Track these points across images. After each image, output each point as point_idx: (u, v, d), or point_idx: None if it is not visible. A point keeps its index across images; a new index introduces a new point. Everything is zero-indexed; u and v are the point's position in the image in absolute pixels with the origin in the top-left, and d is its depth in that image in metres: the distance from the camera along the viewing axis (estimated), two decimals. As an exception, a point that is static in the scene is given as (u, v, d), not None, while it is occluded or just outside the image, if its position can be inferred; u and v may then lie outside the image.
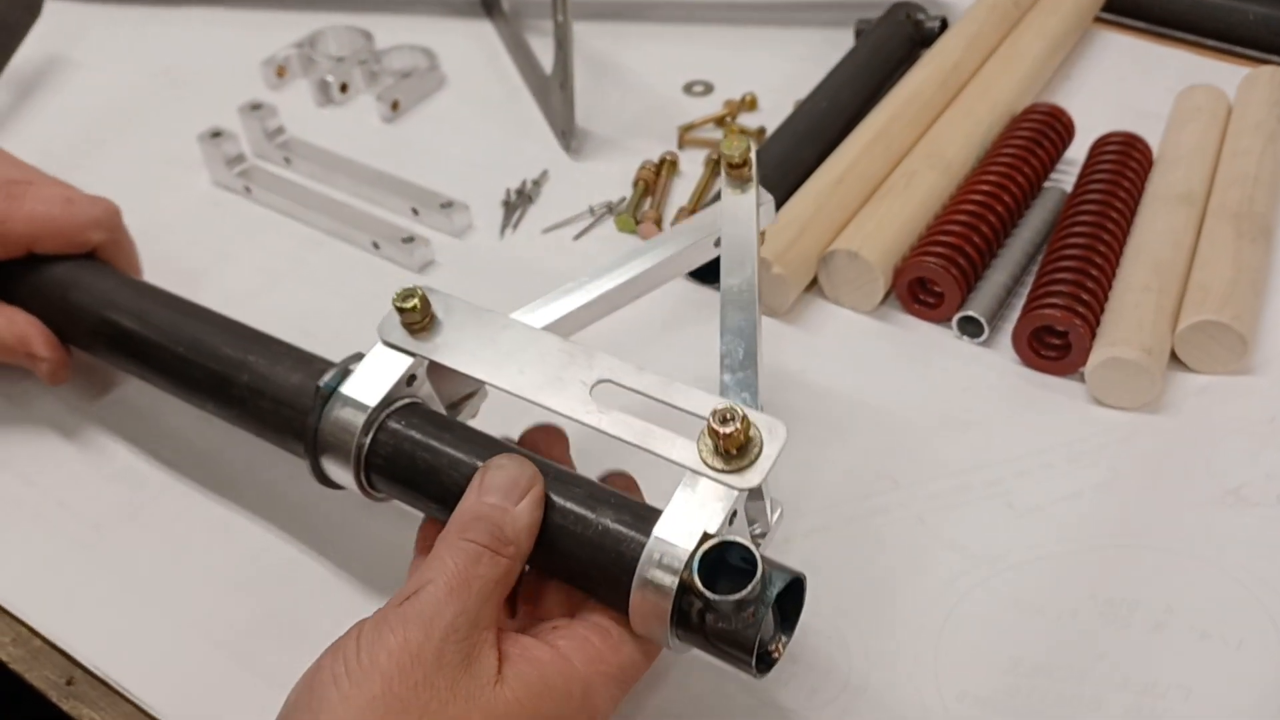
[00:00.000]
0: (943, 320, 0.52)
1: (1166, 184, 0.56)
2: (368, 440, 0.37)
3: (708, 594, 0.31)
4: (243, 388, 0.41)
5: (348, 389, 0.38)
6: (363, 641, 0.30)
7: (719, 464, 0.34)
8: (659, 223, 0.59)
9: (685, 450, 0.34)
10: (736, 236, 0.43)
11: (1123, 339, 0.47)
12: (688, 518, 0.33)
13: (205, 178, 0.62)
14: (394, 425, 0.37)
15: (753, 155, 0.44)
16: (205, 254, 0.58)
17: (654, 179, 0.61)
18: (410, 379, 0.39)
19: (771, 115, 0.66)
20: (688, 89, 0.70)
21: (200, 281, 0.56)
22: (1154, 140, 0.60)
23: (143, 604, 0.42)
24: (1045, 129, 0.59)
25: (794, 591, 0.33)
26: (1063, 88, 0.68)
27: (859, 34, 0.71)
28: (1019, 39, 0.67)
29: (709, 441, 0.34)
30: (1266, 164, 0.56)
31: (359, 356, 0.39)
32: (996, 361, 0.51)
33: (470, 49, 0.73)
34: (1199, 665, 0.38)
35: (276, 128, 0.63)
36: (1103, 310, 0.50)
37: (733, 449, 0.33)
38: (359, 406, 0.37)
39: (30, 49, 0.72)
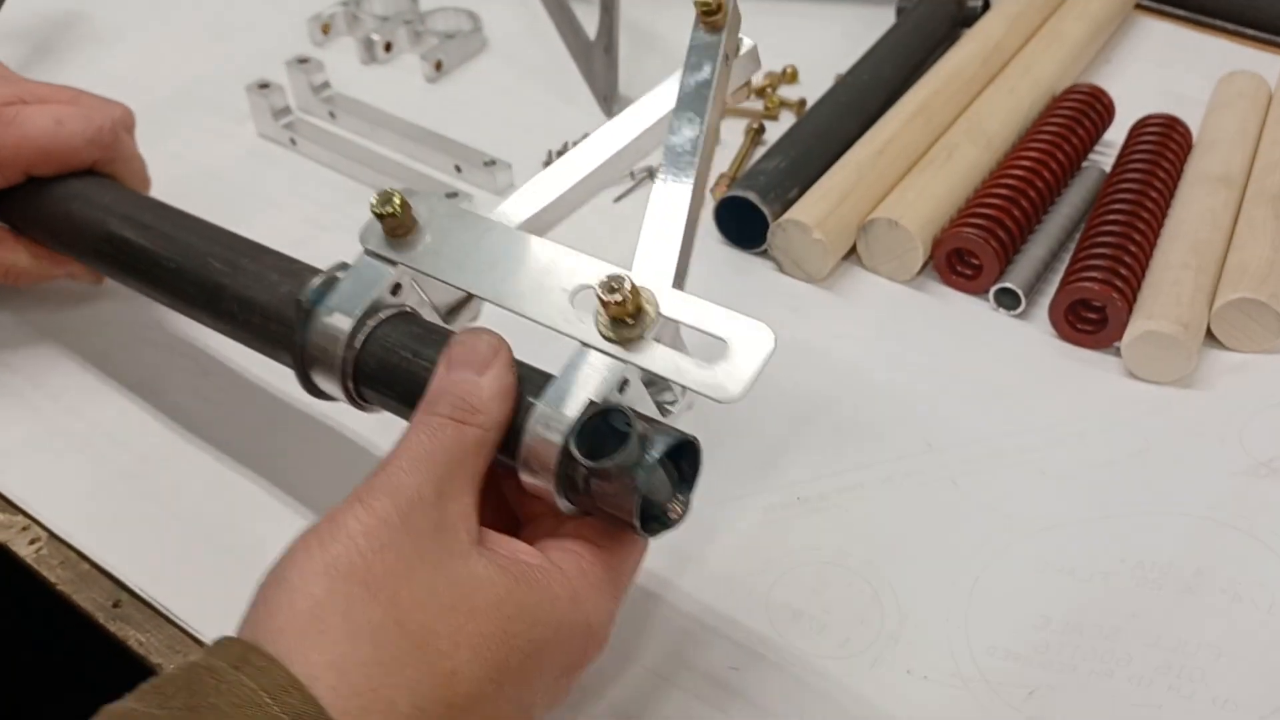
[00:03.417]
0: (980, 292, 0.53)
1: (1206, 165, 0.56)
2: (353, 352, 0.36)
3: (582, 461, 0.31)
4: (232, 300, 0.41)
5: (333, 301, 0.37)
6: (335, 513, 0.30)
7: (611, 334, 0.33)
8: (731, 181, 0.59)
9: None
10: (694, 83, 0.40)
11: (1160, 313, 0.47)
12: (577, 386, 0.32)
13: (251, 129, 0.63)
14: (380, 335, 0.36)
15: (730, 4, 0.40)
16: (251, 202, 0.59)
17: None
18: (395, 287, 0.37)
19: (812, 89, 0.66)
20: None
21: (244, 229, 0.56)
22: (1193, 125, 0.60)
23: (187, 531, 0.43)
24: (1086, 108, 0.59)
25: (689, 454, 0.33)
26: (1103, 71, 0.68)
27: (900, 12, 0.71)
28: (1061, 21, 0.67)
29: (602, 314, 0.33)
30: (1307, 150, 0.57)
31: (345, 266, 0.38)
32: (1032, 334, 0.51)
33: (513, 13, 0.73)
34: (1229, 627, 0.39)
35: (322, 82, 0.63)
36: (1140, 286, 0.50)
37: (624, 318, 0.33)
38: (344, 316, 0.36)
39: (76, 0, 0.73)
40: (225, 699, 0.26)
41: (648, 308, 0.34)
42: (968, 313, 0.52)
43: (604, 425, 0.32)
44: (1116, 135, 0.61)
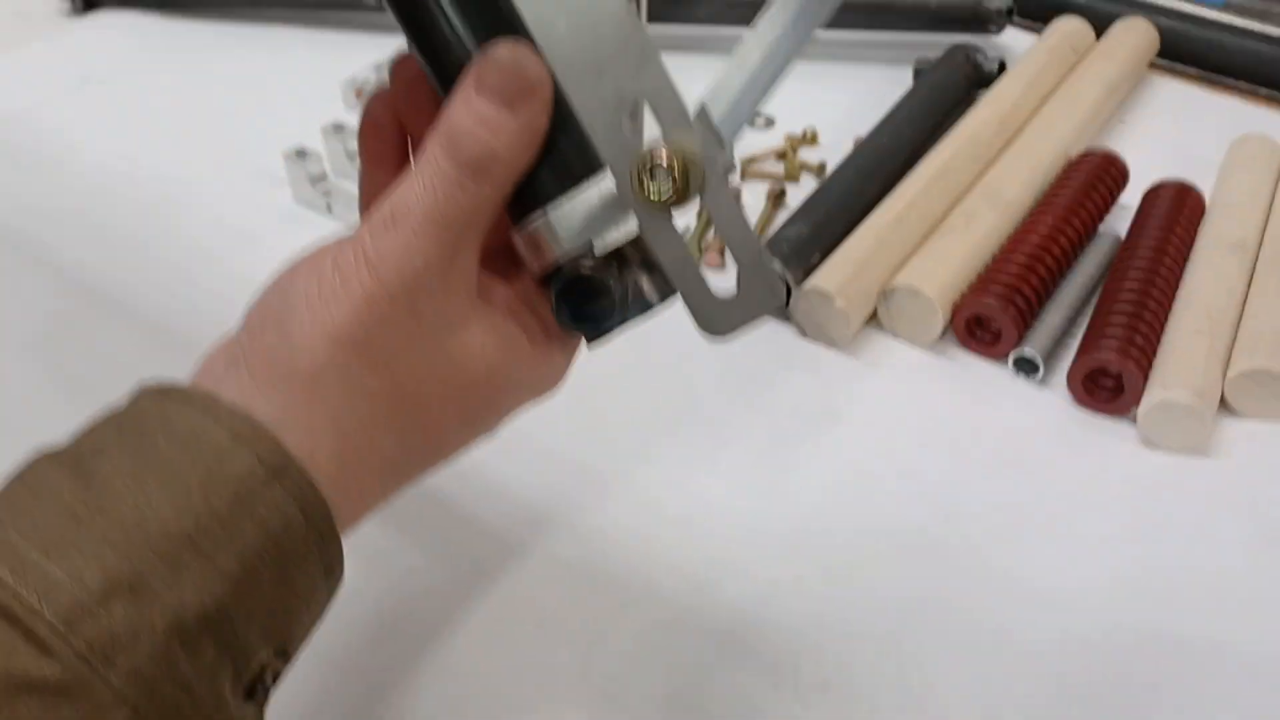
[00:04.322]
0: (999, 358, 0.54)
1: (1218, 232, 0.57)
2: None
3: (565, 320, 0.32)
4: None
5: None
6: (340, 263, 0.29)
7: (639, 191, 0.31)
8: (722, 252, 0.61)
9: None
10: None
11: (1175, 382, 0.49)
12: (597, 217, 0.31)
13: (288, 194, 0.65)
14: None
15: None
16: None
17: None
18: None
19: (832, 150, 0.68)
20: (749, 121, 0.72)
21: (284, 294, 0.58)
22: (1206, 186, 0.62)
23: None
24: (1101, 174, 0.61)
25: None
26: (1117, 131, 0.70)
27: (918, 74, 0.73)
28: (1076, 83, 0.69)
29: (639, 179, 0.31)
30: (1318, 215, 0.58)
31: None
32: (1051, 400, 0.52)
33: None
34: (1250, 699, 0.40)
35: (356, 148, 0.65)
36: (1155, 354, 0.51)
37: (659, 195, 0.31)
38: None
39: (121, 60, 0.76)
40: (174, 429, 0.27)
41: (691, 186, 0.30)
42: (988, 378, 0.54)
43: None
44: (1132, 197, 0.62)
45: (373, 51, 0.75)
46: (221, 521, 0.26)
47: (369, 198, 0.35)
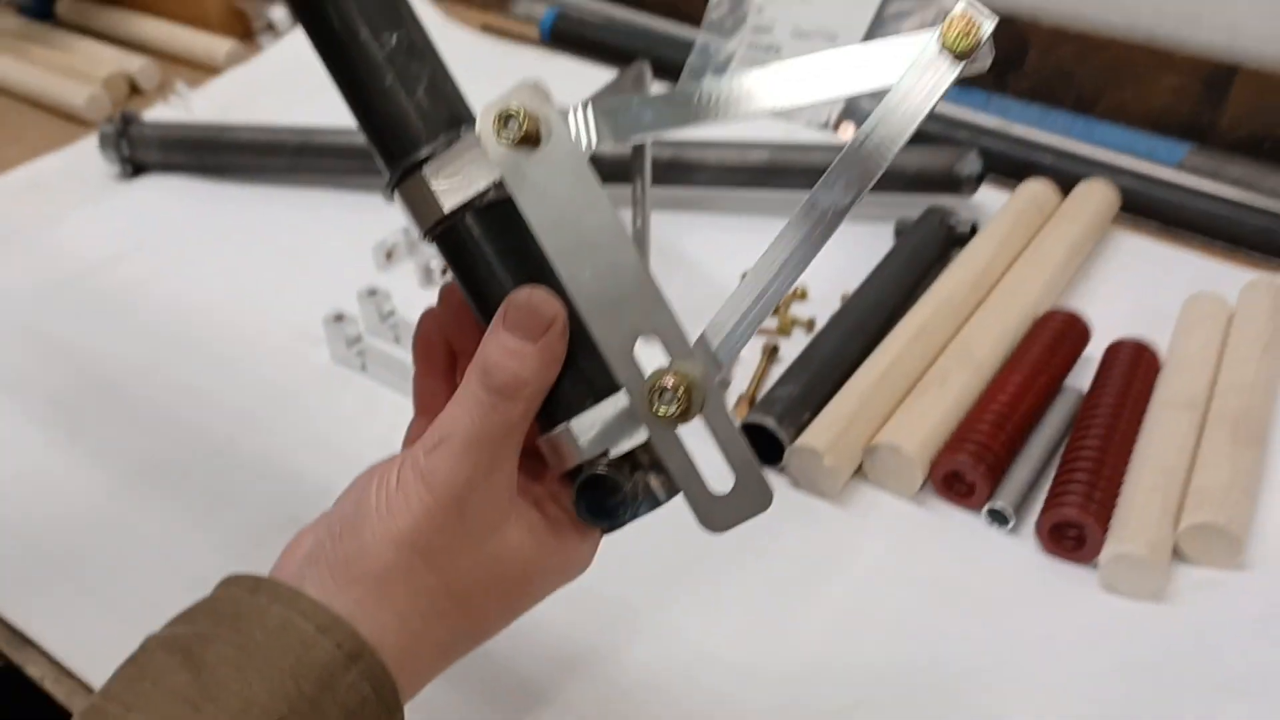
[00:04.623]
0: (974, 509, 0.60)
1: (1172, 391, 0.63)
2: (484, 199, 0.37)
3: (585, 515, 0.38)
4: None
5: (433, 174, 0.37)
6: (402, 479, 0.35)
7: (649, 410, 0.37)
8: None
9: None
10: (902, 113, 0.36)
11: (1130, 536, 0.54)
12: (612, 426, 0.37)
13: (326, 353, 0.71)
14: (467, 223, 0.37)
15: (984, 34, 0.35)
16: (326, 423, 0.66)
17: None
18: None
19: (821, 305, 0.75)
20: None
21: (321, 449, 0.64)
22: (1164, 338, 0.68)
23: None
24: (1064, 334, 0.67)
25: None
26: (1082, 288, 0.76)
27: (898, 233, 0.79)
28: (1042, 244, 0.75)
29: (650, 398, 0.37)
30: (1262, 372, 0.64)
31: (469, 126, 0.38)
32: (1021, 549, 0.58)
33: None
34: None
35: (389, 310, 0.72)
36: (1114, 508, 0.57)
37: (667, 413, 0.37)
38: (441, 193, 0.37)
39: (169, 221, 0.83)
40: (267, 622, 0.33)
41: (694, 405, 0.37)
42: (964, 528, 0.59)
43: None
44: (1096, 348, 0.68)
45: (399, 215, 0.82)
46: (310, 702, 0.32)
47: (421, 397, 0.42)
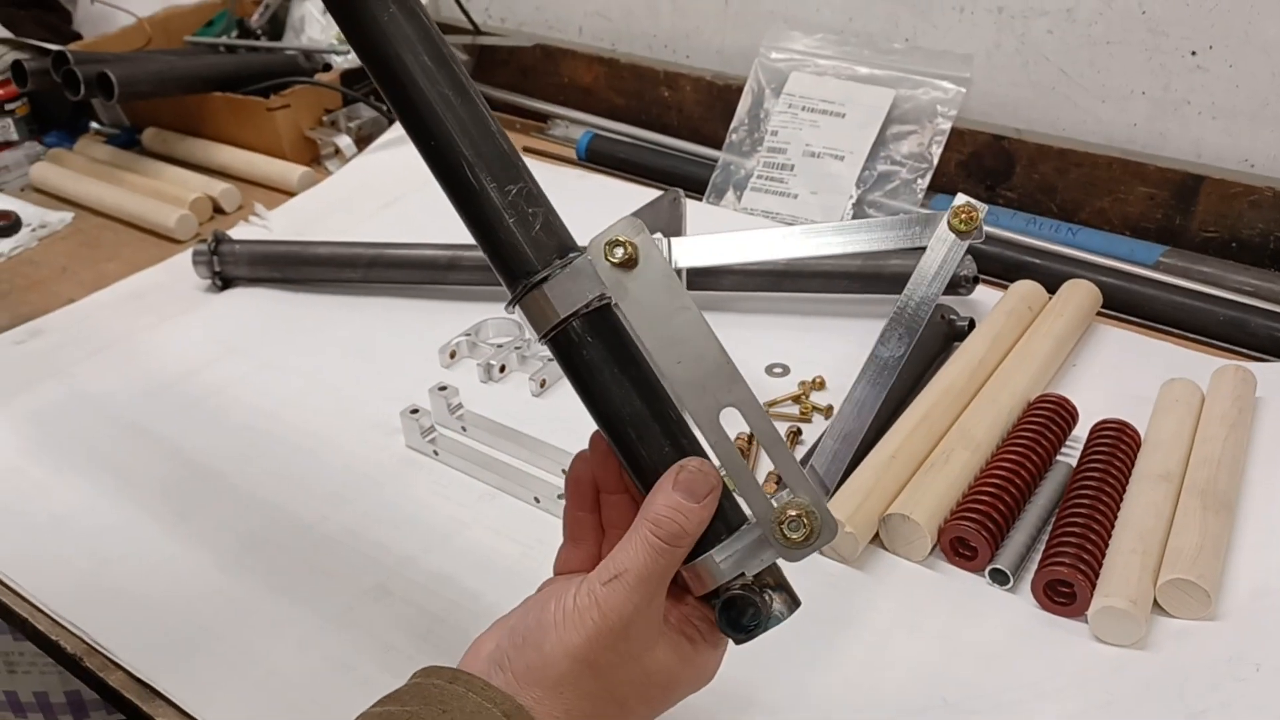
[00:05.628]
0: (978, 570, 0.68)
1: (1150, 465, 0.72)
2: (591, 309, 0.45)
3: (726, 630, 0.47)
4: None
5: (549, 290, 0.45)
6: (579, 603, 0.43)
7: (780, 536, 0.45)
8: (752, 484, 0.76)
9: (762, 507, 0.46)
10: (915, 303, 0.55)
11: (1114, 591, 0.62)
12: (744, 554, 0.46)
13: (401, 441, 0.81)
14: (575, 326, 0.45)
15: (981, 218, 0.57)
16: (404, 504, 0.75)
17: (746, 449, 0.78)
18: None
19: (838, 394, 0.84)
20: (768, 370, 0.88)
21: (401, 525, 0.73)
22: (1144, 421, 0.76)
23: None
24: (1054, 415, 0.76)
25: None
26: (1069, 375, 0.85)
27: (905, 328, 0.89)
28: (1033, 337, 0.85)
29: (779, 528, 0.46)
30: (1229, 449, 0.72)
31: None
32: (1019, 605, 0.66)
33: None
34: None
35: (457, 404, 0.81)
36: (1100, 567, 0.65)
37: (796, 538, 0.46)
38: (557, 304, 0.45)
39: (256, 329, 0.93)
40: (465, 705, 0.42)
41: (815, 528, 0.46)
42: (969, 588, 0.67)
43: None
44: (1083, 430, 0.77)
45: (459, 318, 0.92)
46: None
47: (571, 527, 0.50)
